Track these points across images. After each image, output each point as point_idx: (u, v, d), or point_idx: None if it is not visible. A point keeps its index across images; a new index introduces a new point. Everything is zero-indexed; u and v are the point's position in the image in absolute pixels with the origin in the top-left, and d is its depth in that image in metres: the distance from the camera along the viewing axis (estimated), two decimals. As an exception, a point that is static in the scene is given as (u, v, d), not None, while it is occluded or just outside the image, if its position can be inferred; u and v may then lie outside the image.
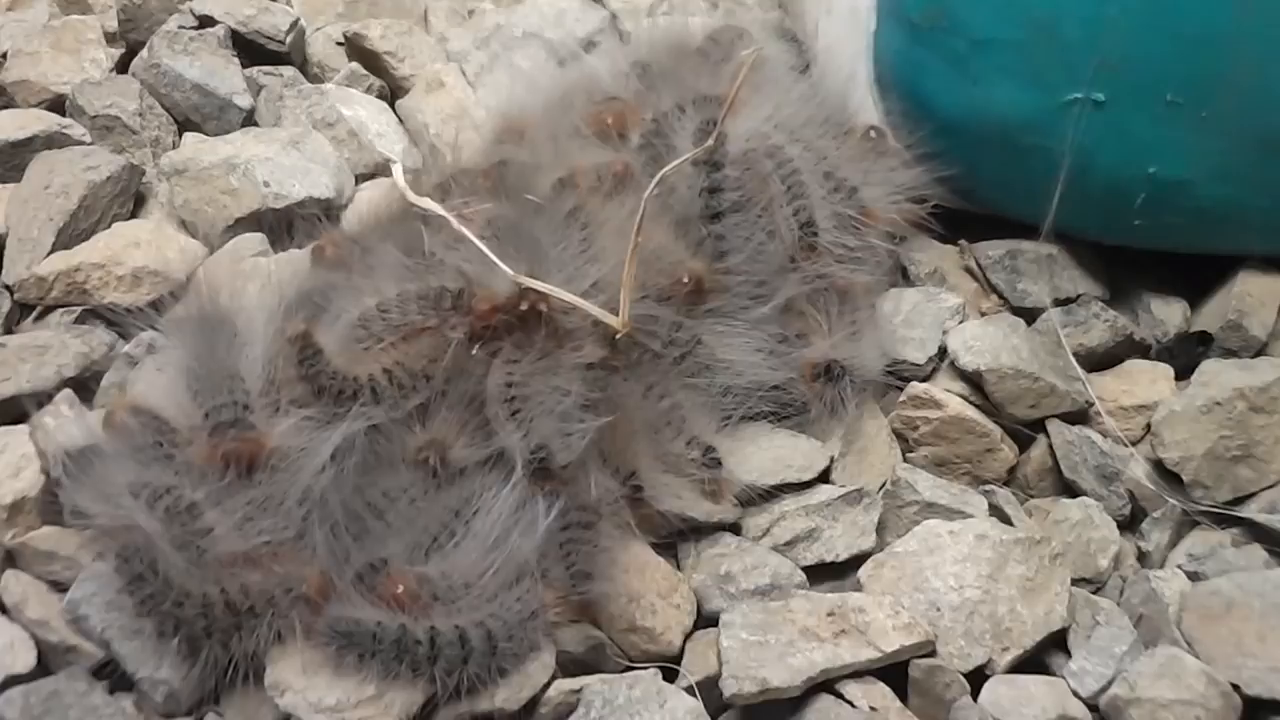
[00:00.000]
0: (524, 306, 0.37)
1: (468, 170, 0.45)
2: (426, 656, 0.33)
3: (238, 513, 0.35)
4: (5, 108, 0.50)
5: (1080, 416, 0.44)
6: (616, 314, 0.37)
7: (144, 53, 0.52)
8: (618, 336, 0.37)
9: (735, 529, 0.40)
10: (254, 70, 0.54)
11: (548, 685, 0.35)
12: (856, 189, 0.44)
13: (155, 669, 0.34)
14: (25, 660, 0.34)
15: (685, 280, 0.40)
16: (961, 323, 0.45)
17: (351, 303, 0.38)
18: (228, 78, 0.52)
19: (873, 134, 0.47)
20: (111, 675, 0.34)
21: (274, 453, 0.36)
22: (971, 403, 0.43)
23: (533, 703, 0.34)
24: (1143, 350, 0.46)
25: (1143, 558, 0.42)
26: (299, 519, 0.35)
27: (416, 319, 0.37)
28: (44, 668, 0.34)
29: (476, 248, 0.37)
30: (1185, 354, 0.46)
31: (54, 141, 0.48)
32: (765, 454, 0.40)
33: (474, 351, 0.37)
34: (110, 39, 0.54)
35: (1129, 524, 0.43)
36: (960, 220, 0.48)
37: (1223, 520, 0.42)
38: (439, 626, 0.33)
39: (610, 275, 0.38)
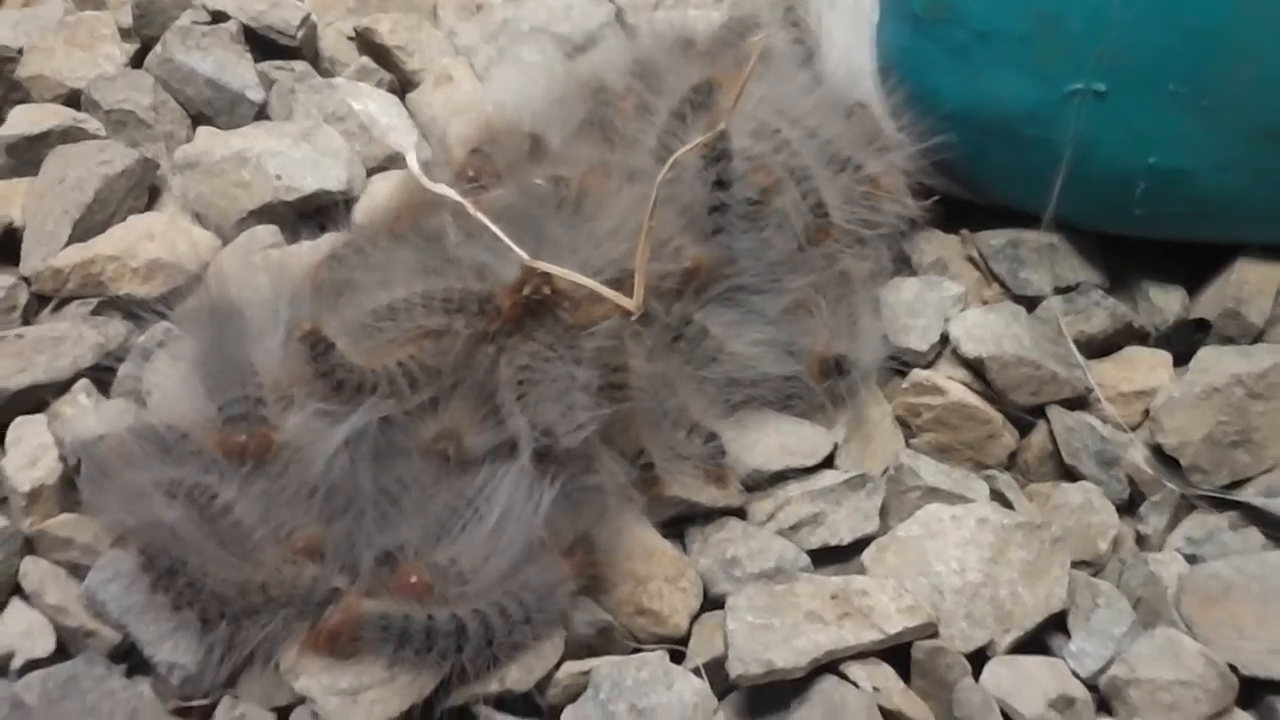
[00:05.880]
0: (527, 291, 0.36)
1: (499, 137, 0.44)
2: (455, 643, 0.33)
3: (259, 503, 0.35)
4: (21, 102, 0.50)
5: (1080, 403, 0.44)
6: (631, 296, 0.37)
7: (157, 48, 0.52)
8: (633, 317, 0.37)
9: (741, 514, 0.39)
10: (266, 65, 0.53)
11: (557, 667, 0.34)
12: (862, 165, 0.44)
13: (172, 652, 0.33)
14: (44, 645, 0.34)
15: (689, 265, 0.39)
16: (964, 311, 0.45)
17: (367, 298, 0.38)
18: (240, 72, 0.51)
19: (858, 110, 0.46)
20: (129, 658, 0.34)
21: (286, 445, 0.35)
22: (973, 390, 0.43)
23: (543, 684, 0.34)
24: (1142, 337, 0.46)
25: (1141, 541, 0.41)
26: (316, 507, 0.35)
27: (439, 320, 0.36)
28: (62, 652, 0.34)
29: (491, 235, 0.37)
30: (1184, 341, 0.46)
31: (69, 136, 0.48)
32: (770, 440, 0.40)
33: (490, 349, 0.37)
34: (124, 34, 0.54)
35: (1128, 508, 0.42)
36: (962, 210, 0.48)
37: (1220, 504, 0.41)
38: (461, 614, 0.33)
39: (622, 260, 0.38)
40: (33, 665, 0.33)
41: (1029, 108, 0.44)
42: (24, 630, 0.34)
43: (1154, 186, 0.44)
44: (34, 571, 0.35)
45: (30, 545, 0.36)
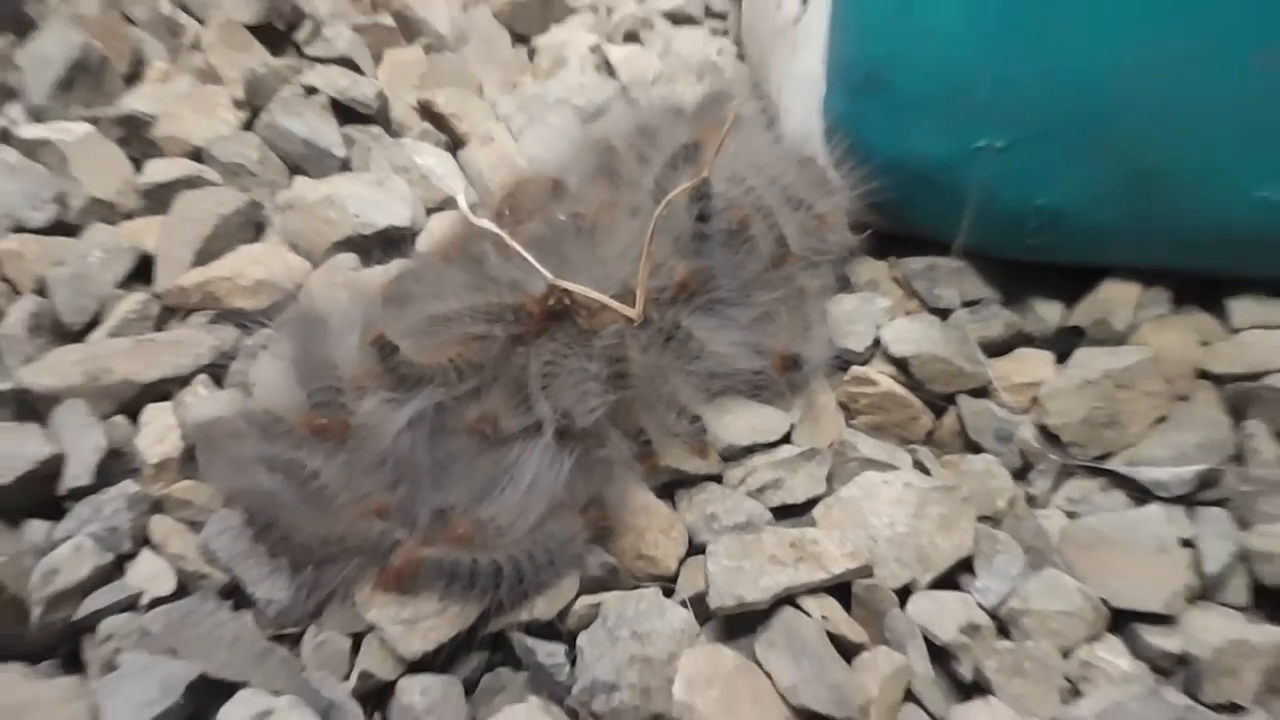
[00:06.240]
0: (551, 302, 0.35)
1: (528, 184, 0.43)
2: (494, 581, 0.32)
3: (340, 471, 0.33)
4: (156, 157, 0.49)
5: (983, 391, 0.42)
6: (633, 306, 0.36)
7: (263, 114, 0.50)
8: (634, 323, 0.36)
9: (719, 479, 0.38)
10: (348, 128, 0.52)
11: (574, 600, 0.33)
12: (813, 205, 0.42)
13: (269, 590, 0.32)
14: (167, 585, 0.33)
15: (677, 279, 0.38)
16: (892, 320, 0.43)
17: (425, 309, 0.36)
18: (328, 134, 0.50)
19: (809, 162, 0.45)
20: (234, 595, 0.33)
21: (361, 425, 0.34)
22: (899, 381, 0.42)
23: (562, 614, 0.33)
24: (1030, 340, 0.45)
25: (1031, 501, 0.40)
26: (385, 475, 0.34)
27: (481, 326, 0.35)
28: (182, 591, 0.33)
29: (522, 259, 0.36)
30: (1063, 343, 0.44)
31: (193, 183, 0.46)
32: (741, 421, 0.39)
33: (522, 349, 0.36)
34: (237, 104, 0.52)
35: (1020, 474, 0.41)
36: (890, 241, 0.47)
37: (1093, 472, 0.40)
38: (499, 559, 0.32)
39: (626, 277, 0.36)
40: (158, 602, 0.32)
41: (943, 160, 0.42)
42: (151, 574, 0.33)
43: (1041, 222, 0.42)
44: (160, 527, 0.34)
45: (157, 506, 0.35)
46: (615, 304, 0.36)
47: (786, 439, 0.39)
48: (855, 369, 0.42)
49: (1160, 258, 0.44)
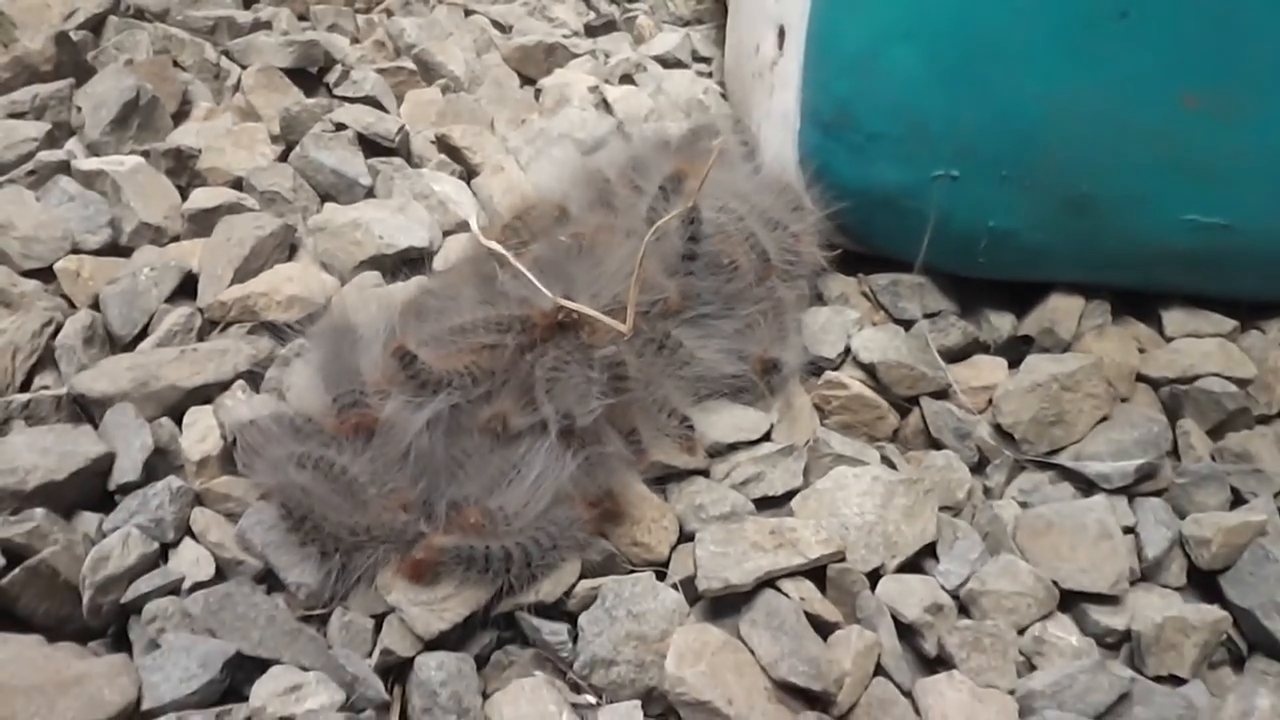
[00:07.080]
0: (560, 317, 0.35)
1: (534, 209, 0.43)
2: (504, 566, 0.31)
3: (366, 468, 0.33)
4: (200, 186, 0.48)
5: (942, 394, 0.42)
6: (624, 322, 0.35)
7: (297, 148, 0.50)
8: (625, 336, 0.36)
9: (705, 473, 0.38)
10: (373, 160, 0.51)
11: (575, 584, 0.33)
12: (789, 226, 0.42)
13: (300, 575, 0.32)
14: (207, 571, 0.32)
15: (666, 298, 0.38)
16: (861, 330, 0.43)
17: (442, 321, 0.36)
18: (355, 165, 0.50)
19: (785, 188, 0.45)
20: (268, 580, 0.33)
21: (384, 425, 0.34)
22: (868, 385, 0.41)
23: (565, 596, 0.33)
24: (985, 348, 0.45)
25: (987, 492, 0.40)
26: (406, 470, 0.33)
27: (493, 337, 0.35)
28: (220, 576, 0.33)
29: (528, 277, 0.35)
30: (1014, 351, 0.44)
31: (233, 209, 0.46)
32: (726, 421, 0.39)
33: (529, 357, 0.35)
34: (274, 139, 0.52)
35: (978, 468, 0.41)
36: (859, 259, 0.47)
37: (1043, 466, 0.40)
38: (508, 546, 0.31)
39: (621, 293, 0.36)
40: (198, 586, 0.32)
41: (904, 187, 0.42)
42: (193, 560, 0.32)
43: (992, 242, 0.42)
44: (201, 518, 0.33)
45: (199, 499, 0.34)
46: (609, 320, 0.35)
47: (766, 437, 0.39)
48: (828, 374, 0.41)
49: (1099, 274, 0.44)
